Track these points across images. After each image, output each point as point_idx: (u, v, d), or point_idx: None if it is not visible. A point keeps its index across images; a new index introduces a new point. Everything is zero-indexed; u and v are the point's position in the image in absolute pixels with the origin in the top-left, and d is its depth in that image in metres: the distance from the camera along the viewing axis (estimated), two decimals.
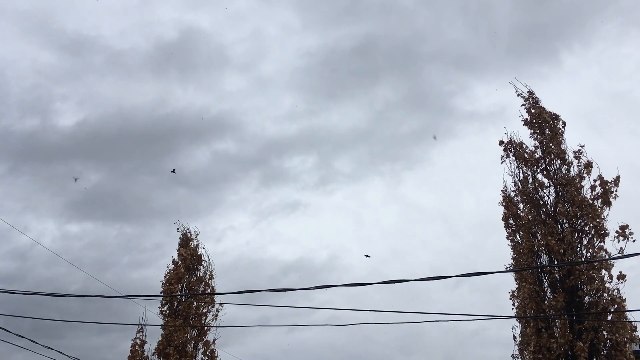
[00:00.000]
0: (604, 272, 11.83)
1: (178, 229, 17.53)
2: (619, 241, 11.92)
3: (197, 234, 17.51)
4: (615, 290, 11.66)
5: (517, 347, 12.49)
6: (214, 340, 15.99)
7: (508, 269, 12.36)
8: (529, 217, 12.91)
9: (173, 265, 16.76)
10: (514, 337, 12.59)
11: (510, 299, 12.83)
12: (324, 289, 8.78)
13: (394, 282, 7.43)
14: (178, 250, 17.15)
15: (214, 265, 17.10)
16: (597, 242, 12.15)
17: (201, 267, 17.07)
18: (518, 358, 12.28)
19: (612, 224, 12.22)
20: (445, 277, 7.15)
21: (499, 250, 13.28)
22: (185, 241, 17.30)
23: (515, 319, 12.77)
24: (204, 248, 17.30)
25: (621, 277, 11.82)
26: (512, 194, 13.47)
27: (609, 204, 12.34)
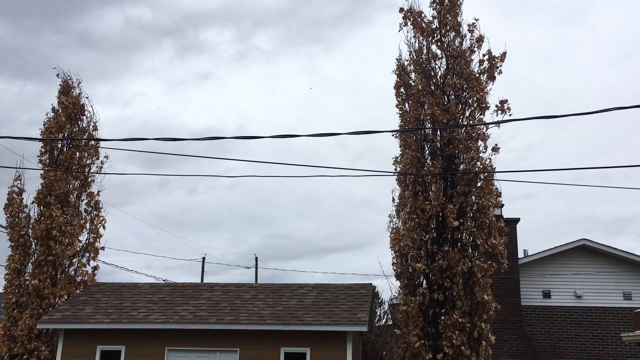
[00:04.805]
0: (480, 142, 12.62)
1: (58, 74, 16.31)
2: (497, 115, 12.68)
3: (80, 82, 16.43)
4: (488, 160, 12.56)
5: (394, 208, 13.31)
6: (99, 191, 15.67)
7: (394, 130, 12.80)
8: (419, 87, 13.24)
9: (53, 114, 15.79)
10: (393, 199, 13.38)
11: (393, 164, 13.47)
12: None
13: (284, 137, 7.49)
14: (58, 98, 16.08)
15: (98, 116, 16.33)
16: (478, 114, 12.84)
17: (84, 118, 16.24)
18: (394, 218, 13.13)
19: (493, 99, 12.89)
20: (334, 134, 7.29)
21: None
22: (66, 89, 16.20)
23: (395, 183, 13.53)
24: (87, 97, 16.37)
25: (495, 149, 12.69)
26: (406, 64, 13.66)
27: (493, 78, 12.90)
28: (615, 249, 17.43)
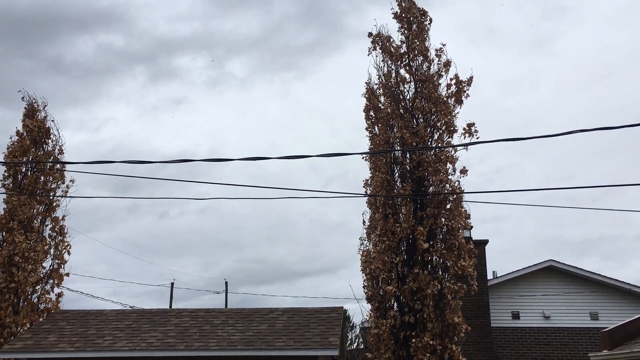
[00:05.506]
0: (449, 165, 12.76)
1: (23, 97, 16.04)
2: (465, 137, 12.86)
3: (45, 106, 16.19)
4: (457, 182, 12.70)
5: (365, 231, 13.30)
6: (64, 216, 15.33)
7: (364, 152, 12.88)
8: (389, 110, 13.38)
9: (17, 137, 15.48)
10: (364, 222, 13.38)
11: (364, 187, 13.50)
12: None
13: (254, 159, 7.45)
14: (23, 121, 15.81)
15: (64, 140, 16.07)
16: (447, 137, 13.01)
17: (49, 141, 15.97)
18: (365, 240, 13.12)
19: (460, 122, 13.11)
20: (304, 156, 7.29)
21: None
22: (32, 112, 15.94)
23: (366, 206, 13.54)
24: (53, 121, 16.11)
25: (463, 171, 12.84)
26: (375, 87, 13.81)
27: (460, 102, 13.12)
28: (582, 269, 17.70)
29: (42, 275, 14.68)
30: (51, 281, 14.87)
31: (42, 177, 15.33)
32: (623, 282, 17.49)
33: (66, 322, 13.44)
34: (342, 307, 13.73)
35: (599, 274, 17.60)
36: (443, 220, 12.47)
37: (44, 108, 16.12)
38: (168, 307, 35.53)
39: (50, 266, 14.92)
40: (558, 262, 17.76)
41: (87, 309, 14.60)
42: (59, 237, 15.19)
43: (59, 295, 14.99)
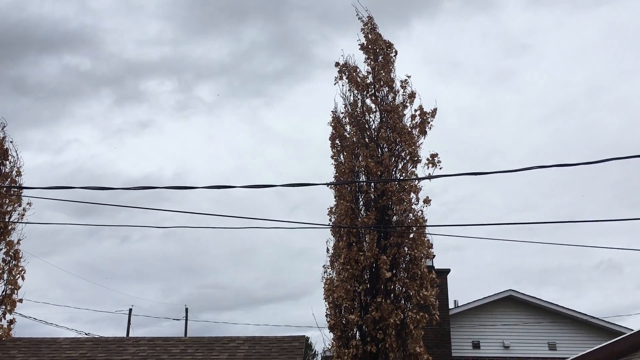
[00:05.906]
0: (412, 195, 12.90)
1: None
2: (428, 167, 13.06)
3: (5, 126, 15.74)
4: (420, 212, 12.83)
5: (329, 259, 13.28)
6: (19, 240, 14.83)
7: (329, 182, 12.93)
8: (354, 139, 13.51)
9: None
10: (327, 250, 13.36)
11: (328, 214, 13.53)
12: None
13: (217, 188, 7.39)
14: None
15: (22, 161, 15.63)
16: (411, 167, 13.18)
17: (7, 163, 15.51)
18: (329, 268, 13.09)
19: (424, 152, 13.31)
20: (269, 185, 7.27)
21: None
22: None
23: (330, 234, 13.53)
24: (11, 142, 15.68)
25: (427, 201, 12.99)
26: (341, 116, 13.94)
27: (424, 133, 13.34)
28: (540, 299, 17.99)
29: None
30: (3, 307, 14.30)
31: None
32: (580, 312, 17.84)
33: (17, 350, 12.94)
34: (304, 335, 13.61)
35: (557, 305, 17.92)
36: (406, 249, 12.55)
37: (2, 129, 15.66)
38: (125, 334, 34.61)
39: (2, 292, 14.35)
40: (517, 292, 18.01)
41: (40, 337, 14.10)
42: (13, 262, 14.65)
43: (11, 322, 14.39)
